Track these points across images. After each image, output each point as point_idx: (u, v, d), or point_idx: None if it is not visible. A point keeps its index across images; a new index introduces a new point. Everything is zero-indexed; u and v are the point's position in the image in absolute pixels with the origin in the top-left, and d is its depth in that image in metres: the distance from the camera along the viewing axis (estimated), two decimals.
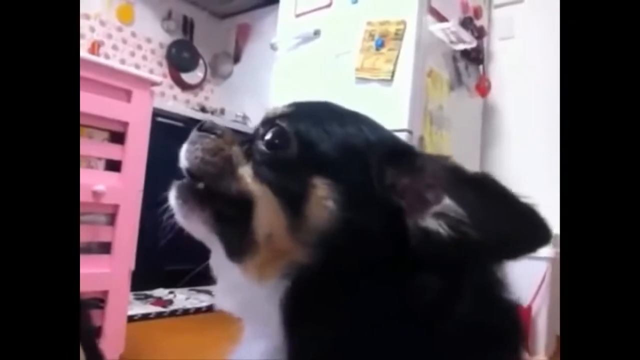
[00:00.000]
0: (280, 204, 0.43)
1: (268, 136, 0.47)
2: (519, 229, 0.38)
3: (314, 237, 0.42)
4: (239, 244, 0.45)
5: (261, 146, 0.47)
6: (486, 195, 0.38)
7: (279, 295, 0.42)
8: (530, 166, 2.07)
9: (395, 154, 0.45)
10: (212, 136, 0.50)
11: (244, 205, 0.45)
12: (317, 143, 0.45)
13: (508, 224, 0.38)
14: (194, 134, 0.51)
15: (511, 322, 0.43)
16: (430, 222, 0.39)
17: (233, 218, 0.46)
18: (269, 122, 0.49)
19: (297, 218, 0.42)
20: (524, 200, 0.38)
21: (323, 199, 0.42)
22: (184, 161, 0.50)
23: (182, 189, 0.50)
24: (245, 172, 0.47)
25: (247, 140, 0.50)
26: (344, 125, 0.47)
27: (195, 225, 0.48)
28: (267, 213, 0.44)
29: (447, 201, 0.39)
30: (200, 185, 0.49)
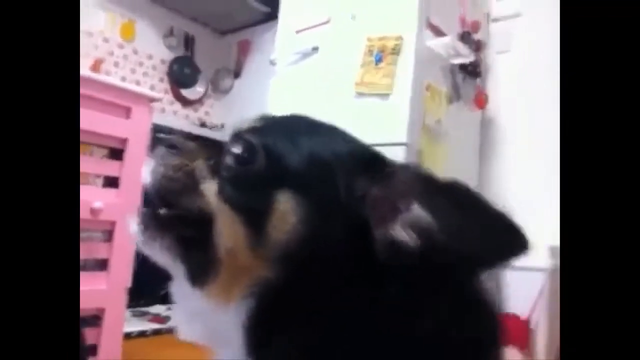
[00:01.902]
0: (240, 220, 0.42)
1: (235, 150, 0.46)
2: (491, 237, 0.36)
3: (276, 252, 0.41)
4: (201, 268, 0.44)
5: (228, 161, 0.46)
6: (457, 203, 0.37)
7: (241, 317, 0.41)
8: (529, 179, 2.06)
9: (364, 163, 0.44)
10: (177, 152, 0.50)
11: (204, 223, 0.44)
12: (284, 156, 0.44)
13: (480, 232, 0.36)
14: (158, 150, 0.50)
15: (489, 330, 0.42)
16: (399, 233, 0.38)
17: (194, 240, 0.45)
18: (237, 136, 0.48)
19: (259, 234, 0.41)
20: (497, 208, 0.36)
21: (286, 213, 0.41)
22: (147, 178, 0.49)
23: (143, 215, 0.49)
24: (209, 188, 0.46)
25: (215, 155, 0.49)
26: (312, 137, 0.46)
27: (156, 252, 0.47)
28: (227, 229, 0.43)
29: (417, 210, 0.38)
30: (162, 210, 0.48)
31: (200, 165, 0.48)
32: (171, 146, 0.50)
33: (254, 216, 0.42)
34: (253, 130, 0.47)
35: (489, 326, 0.42)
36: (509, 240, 0.36)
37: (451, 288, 0.40)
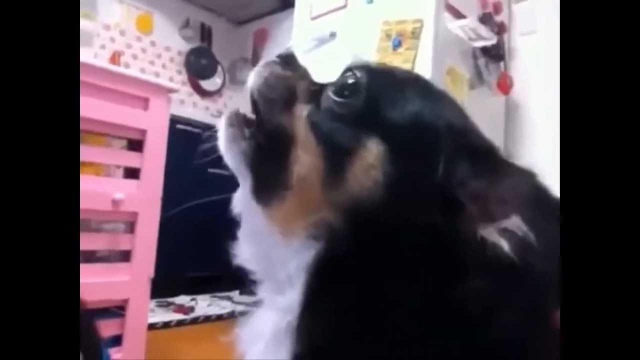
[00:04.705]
0: (321, 152, 0.40)
1: (340, 82, 0.44)
2: None
3: (348, 202, 0.38)
4: (268, 185, 0.42)
5: (329, 92, 0.44)
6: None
7: (305, 258, 0.38)
8: (556, 166, 2.00)
9: (476, 148, 0.39)
10: (286, 65, 0.49)
11: (285, 142, 0.42)
12: (386, 104, 0.41)
13: None
14: (271, 58, 0.50)
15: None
16: (493, 235, 0.34)
17: (271, 153, 0.43)
18: (348, 70, 0.45)
19: (336, 176, 0.39)
20: None
21: (369, 162, 0.38)
22: (251, 80, 0.48)
23: (232, 114, 0.48)
24: (301, 109, 0.45)
25: (320, 84, 0.48)
26: (427, 99, 0.42)
27: (233, 153, 0.46)
28: (305, 158, 0.41)
29: (518, 222, 0.34)
30: (251, 115, 0.47)
31: (302, 85, 0.47)
32: (283, 58, 0.50)
33: (336, 154, 0.40)
34: (366, 68, 0.45)
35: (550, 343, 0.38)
36: None
37: (527, 288, 0.35)
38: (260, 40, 3.57)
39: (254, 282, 0.45)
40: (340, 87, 0.43)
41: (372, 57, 1.84)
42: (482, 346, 0.34)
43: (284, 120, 0.44)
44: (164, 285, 1.97)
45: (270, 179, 0.43)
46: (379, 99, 0.41)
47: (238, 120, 0.48)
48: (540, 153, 2.11)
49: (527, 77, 2.17)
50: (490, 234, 0.34)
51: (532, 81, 2.16)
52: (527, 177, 0.37)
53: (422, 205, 0.37)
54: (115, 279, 1.25)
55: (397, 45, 1.83)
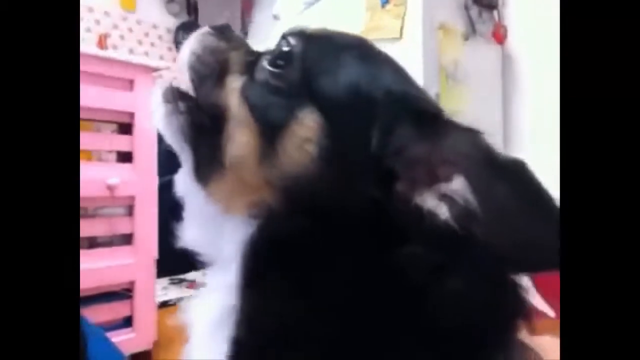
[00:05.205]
0: (257, 129, 0.39)
1: (274, 51, 0.42)
2: (547, 239, 0.29)
3: (285, 180, 0.37)
4: (207, 162, 0.41)
5: (264, 62, 0.42)
6: (514, 189, 0.30)
7: (243, 235, 0.37)
8: (555, 116, 1.95)
9: (416, 110, 0.37)
10: (220, 36, 0.47)
11: (221, 118, 0.41)
12: (323, 73, 0.39)
13: (535, 231, 0.30)
14: (203, 29, 0.48)
15: (514, 302, 0.36)
16: (429, 201, 0.32)
17: (207, 131, 0.42)
18: (283, 37, 0.43)
19: (272, 153, 0.38)
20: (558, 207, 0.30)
21: (305, 141, 0.37)
22: (184, 54, 0.47)
23: (167, 89, 0.46)
24: (234, 82, 0.43)
25: (257, 53, 0.46)
26: (364, 65, 0.40)
27: (170, 130, 0.45)
28: (240, 135, 0.40)
29: (460, 184, 0.31)
30: (186, 89, 0.46)
31: (235, 57, 0.45)
32: (217, 29, 0.48)
33: (271, 130, 0.38)
34: (302, 34, 0.42)
35: (513, 300, 0.36)
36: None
37: (475, 253, 0.33)
38: (247, 8, 3.47)
39: (201, 264, 0.45)
40: (275, 57, 0.41)
41: (362, 15, 1.79)
42: (429, 316, 0.33)
43: (218, 95, 0.43)
44: (175, 263, 2.00)
45: (208, 156, 0.41)
46: (313, 68, 0.39)
47: (173, 95, 0.45)
48: (538, 101, 2.06)
49: (522, 24, 2.10)
50: (426, 200, 0.32)
51: (528, 28, 2.09)
52: (471, 136, 0.34)
53: (359, 178, 0.35)
54: (119, 262, 1.26)
55: (385, 2, 1.77)
